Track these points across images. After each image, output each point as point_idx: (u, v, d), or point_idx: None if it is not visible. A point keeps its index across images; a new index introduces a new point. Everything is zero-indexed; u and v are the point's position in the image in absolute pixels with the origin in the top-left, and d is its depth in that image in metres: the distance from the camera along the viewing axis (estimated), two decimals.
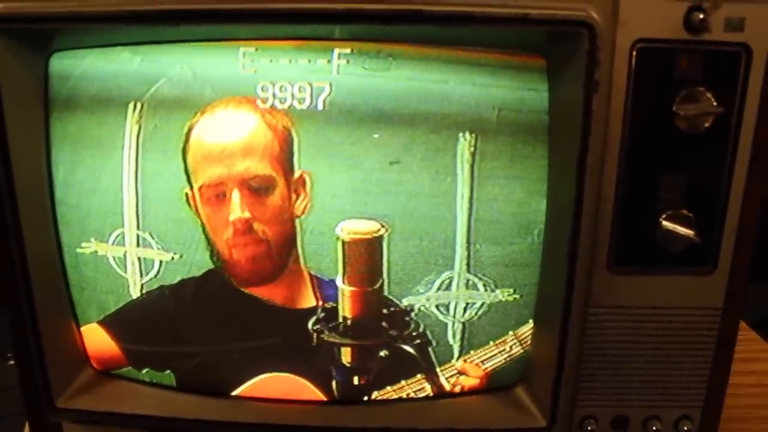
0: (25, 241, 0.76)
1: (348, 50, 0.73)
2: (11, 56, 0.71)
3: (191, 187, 0.76)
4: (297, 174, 0.75)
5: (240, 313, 0.81)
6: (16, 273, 0.76)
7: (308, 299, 0.80)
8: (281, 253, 0.78)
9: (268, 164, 0.75)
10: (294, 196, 0.76)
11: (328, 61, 0.73)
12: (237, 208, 0.76)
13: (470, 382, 0.83)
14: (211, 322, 0.82)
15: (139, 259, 0.80)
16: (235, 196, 0.75)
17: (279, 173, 0.75)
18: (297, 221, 0.77)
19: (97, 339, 0.84)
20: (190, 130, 0.75)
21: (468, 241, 0.77)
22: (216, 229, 0.77)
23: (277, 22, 0.69)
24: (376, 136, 0.74)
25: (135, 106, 0.75)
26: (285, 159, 0.75)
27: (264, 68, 0.73)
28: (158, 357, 0.84)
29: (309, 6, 0.68)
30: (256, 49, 0.73)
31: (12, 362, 0.83)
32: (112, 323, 0.83)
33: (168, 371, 0.85)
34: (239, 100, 0.74)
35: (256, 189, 0.76)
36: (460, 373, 0.83)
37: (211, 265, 0.79)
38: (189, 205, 0.77)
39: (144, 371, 0.85)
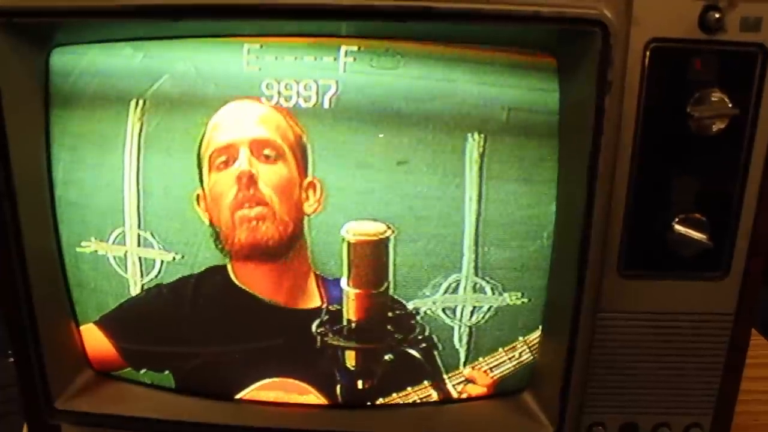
0: (24, 240, 0.75)
1: (355, 48, 0.71)
2: (11, 51, 0.70)
3: (202, 185, 0.75)
4: (309, 178, 0.74)
5: (241, 313, 0.80)
6: (14, 272, 0.75)
7: (313, 300, 0.79)
8: (285, 225, 0.76)
9: (280, 138, 0.74)
10: (304, 195, 0.75)
11: (335, 59, 0.72)
12: (244, 162, 0.74)
13: (477, 390, 0.82)
14: (210, 321, 0.81)
15: (139, 259, 0.78)
16: (243, 152, 0.74)
17: (289, 149, 0.74)
18: (305, 219, 0.76)
19: (94, 339, 0.83)
20: (208, 120, 0.74)
21: (476, 244, 0.76)
22: (220, 196, 0.75)
23: (282, 17, 0.68)
24: (381, 135, 0.73)
25: (137, 103, 0.74)
26: (297, 148, 0.74)
27: (269, 65, 0.72)
28: (156, 357, 0.83)
29: (315, 1, 0.66)
30: (261, 46, 0.72)
31: (12, 359, 0.82)
32: (108, 323, 0.82)
33: (167, 372, 0.83)
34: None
35: (265, 153, 0.74)
36: (468, 380, 0.81)
37: (213, 260, 0.78)
38: (198, 205, 0.76)
39: (142, 372, 0.84)
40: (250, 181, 0.74)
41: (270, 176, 0.75)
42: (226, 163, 0.75)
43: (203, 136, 0.74)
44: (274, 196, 0.75)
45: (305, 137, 0.74)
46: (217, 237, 0.77)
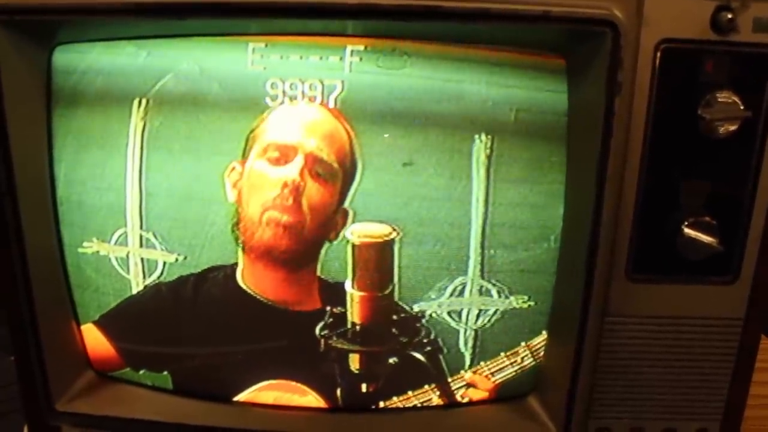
0: (25, 241, 0.74)
1: (361, 47, 0.71)
2: (13, 48, 0.69)
3: (243, 160, 0.74)
4: (344, 206, 0.74)
5: (242, 314, 0.79)
6: (16, 273, 0.75)
7: (313, 302, 0.78)
8: (307, 244, 0.75)
9: (337, 162, 0.73)
10: (333, 220, 0.74)
11: (341, 59, 0.71)
12: (296, 171, 0.73)
13: (479, 394, 0.81)
14: (210, 321, 0.80)
15: (142, 260, 0.78)
16: (299, 161, 0.73)
17: (342, 175, 0.73)
18: (326, 243, 0.75)
19: (93, 339, 0.82)
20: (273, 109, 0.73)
21: (482, 246, 0.75)
22: (258, 187, 0.74)
23: (287, 16, 0.67)
24: (386, 135, 0.72)
25: (140, 102, 0.73)
26: (348, 176, 0.74)
27: (273, 65, 0.71)
28: (154, 358, 0.82)
29: (321, 0, 0.66)
30: (266, 45, 0.71)
31: (14, 357, 0.81)
32: (107, 322, 0.81)
33: (165, 372, 0.83)
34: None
35: (318, 170, 0.73)
36: (469, 385, 0.81)
37: (217, 261, 0.77)
38: (228, 175, 0.74)
39: (141, 372, 0.83)
40: (294, 191, 0.74)
41: (313, 194, 0.74)
42: (278, 160, 0.74)
43: (263, 119, 0.73)
44: (309, 214, 0.74)
45: (360, 166, 0.73)
46: (237, 223, 0.76)
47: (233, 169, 0.74)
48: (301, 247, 0.75)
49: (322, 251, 0.76)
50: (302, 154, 0.73)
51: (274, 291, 0.78)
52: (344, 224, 0.74)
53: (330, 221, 0.75)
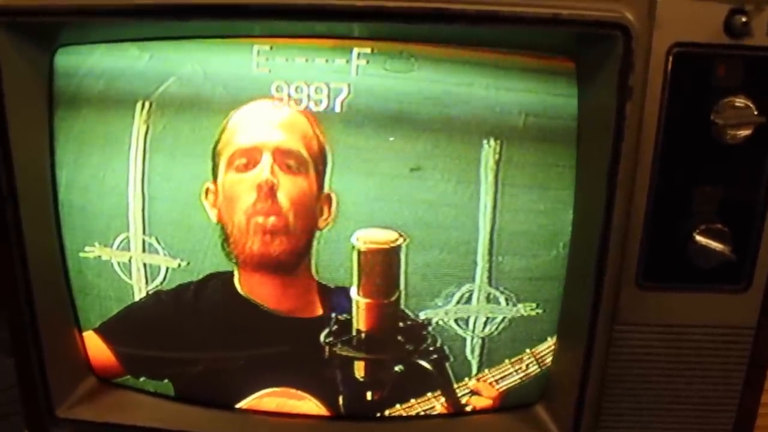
0: (26, 245, 0.73)
1: (368, 50, 0.70)
2: (14, 51, 0.69)
3: (215, 180, 0.74)
4: (325, 191, 0.73)
5: (244, 322, 0.79)
6: (17, 277, 0.74)
7: (314, 308, 0.77)
8: (297, 239, 0.74)
9: (305, 149, 0.73)
10: (319, 208, 0.73)
11: (347, 61, 0.70)
12: (266, 169, 0.73)
13: (482, 402, 0.80)
14: (211, 329, 0.80)
15: (144, 265, 0.77)
16: (266, 158, 0.73)
17: (312, 161, 0.73)
18: (317, 233, 0.74)
19: (95, 346, 0.81)
20: (230, 115, 0.72)
21: (490, 253, 0.74)
22: (236, 198, 0.74)
23: (293, 18, 0.67)
24: (394, 140, 0.72)
25: (143, 105, 0.73)
26: (319, 160, 0.73)
27: (279, 67, 0.71)
28: (155, 365, 0.82)
29: (327, 2, 0.65)
30: (271, 48, 0.70)
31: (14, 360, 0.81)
32: (107, 330, 0.80)
33: (166, 380, 0.82)
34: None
35: (288, 163, 0.73)
36: (473, 392, 0.80)
37: (219, 267, 0.76)
38: (206, 198, 0.74)
39: (141, 379, 0.82)
40: (270, 191, 0.73)
41: (290, 188, 0.73)
42: (246, 166, 0.73)
43: (222, 131, 0.73)
44: (291, 209, 0.74)
45: (329, 148, 0.72)
46: (225, 240, 0.75)
47: (207, 190, 0.74)
48: (292, 245, 0.75)
49: (314, 246, 0.75)
50: (268, 152, 0.73)
51: (271, 298, 0.78)
52: (330, 209, 0.73)
53: (314, 210, 0.74)
